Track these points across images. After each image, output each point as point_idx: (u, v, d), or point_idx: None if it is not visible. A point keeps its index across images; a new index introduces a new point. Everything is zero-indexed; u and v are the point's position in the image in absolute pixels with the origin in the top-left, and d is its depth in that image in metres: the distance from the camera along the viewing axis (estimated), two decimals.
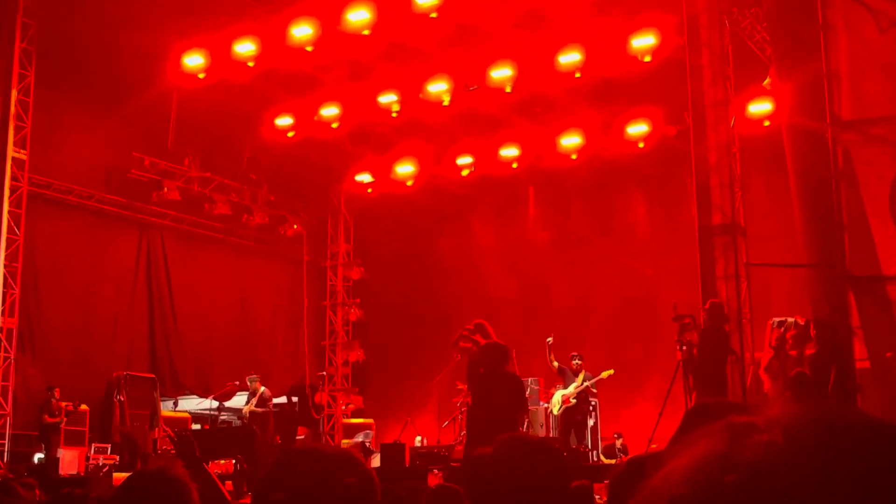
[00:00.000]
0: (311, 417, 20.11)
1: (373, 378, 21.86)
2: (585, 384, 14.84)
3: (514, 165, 18.88)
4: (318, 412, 20.46)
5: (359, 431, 18.76)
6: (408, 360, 20.57)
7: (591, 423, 15.16)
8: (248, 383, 16.55)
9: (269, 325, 20.96)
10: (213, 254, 19.98)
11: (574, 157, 18.16)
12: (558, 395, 15.09)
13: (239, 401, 17.32)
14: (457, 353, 12.36)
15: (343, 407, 21.21)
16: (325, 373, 21.41)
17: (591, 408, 15.22)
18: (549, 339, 15.01)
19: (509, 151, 18.75)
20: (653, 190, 19.13)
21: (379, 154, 19.66)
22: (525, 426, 12.41)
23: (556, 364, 15.05)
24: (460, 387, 13.92)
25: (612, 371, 15.00)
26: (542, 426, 15.71)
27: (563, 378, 15.15)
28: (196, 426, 17.40)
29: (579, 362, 14.99)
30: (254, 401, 16.25)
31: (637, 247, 19.01)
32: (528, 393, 15.11)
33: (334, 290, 22.23)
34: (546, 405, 15.67)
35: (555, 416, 15.24)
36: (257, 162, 19.44)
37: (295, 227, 20.97)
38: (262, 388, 16.46)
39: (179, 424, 16.63)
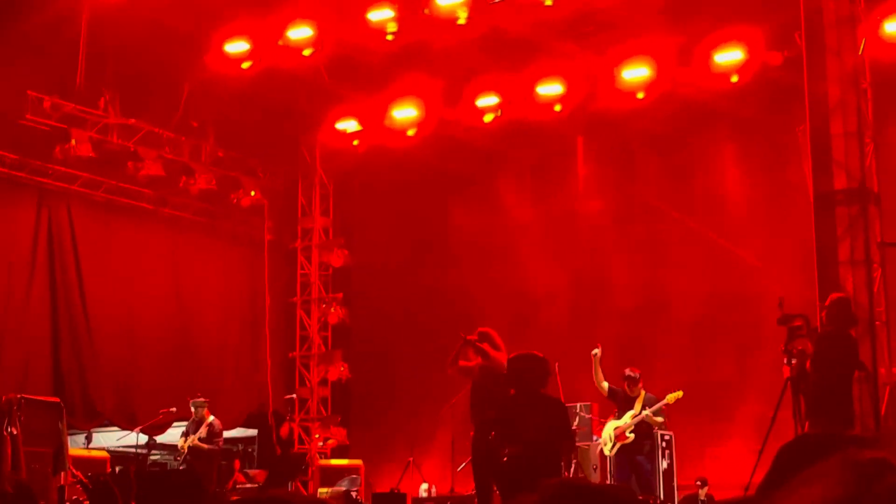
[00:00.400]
0: (274, 457, 20.17)
1: (361, 403, 21.90)
2: (644, 412, 14.79)
3: (557, 108, 18.82)
4: (284, 449, 20.52)
5: (342, 476, 18.83)
6: (408, 379, 20.60)
7: (663, 465, 15.15)
8: (192, 409, 16.67)
9: (217, 330, 21.01)
10: (139, 231, 20.02)
11: (640, 95, 18.08)
12: (610, 428, 15.08)
13: (175, 434, 17.36)
14: (457, 374, 12.31)
15: (321, 443, 21.25)
16: (294, 396, 21.46)
17: (661, 444, 15.21)
18: (596, 351, 15.03)
19: (550, 89, 18.70)
20: (750, 141, 19.06)
21: (369, 93, 19.63)
22: (572, 468, 12.45)
23: (605, 385, 15.05)
24: None
25: (680, 393, 14.92)
26: (595, 469, 15.74)
27: (616, 403, 15.13)
28: (117, 468, 17.46)
29: (633, 378, 14.93)
30: (199, 432, 16.32)
31: (728, 220, 18.97)
32: (575, 423, 15.21)
33: (307, 282, 22.24)
34: (600, 441, 15.69)
35: (608, 456, 15.23)
36: (200, 104, 19.43)
37: (252, 193, 20.98)
38: (211, 418, 16.61)
39: (95, 467, 16.68)
